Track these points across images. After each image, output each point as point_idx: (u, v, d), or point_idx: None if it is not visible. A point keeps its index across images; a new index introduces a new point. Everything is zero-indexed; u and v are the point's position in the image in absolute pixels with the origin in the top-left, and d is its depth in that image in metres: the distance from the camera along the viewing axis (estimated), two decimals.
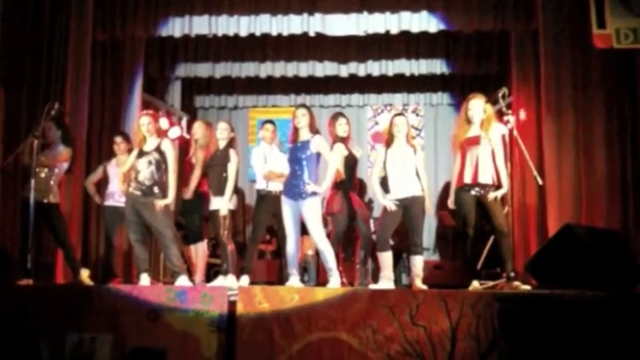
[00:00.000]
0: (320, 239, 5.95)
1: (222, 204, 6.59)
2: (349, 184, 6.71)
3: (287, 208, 6.03)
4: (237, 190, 7.01)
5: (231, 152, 6.73)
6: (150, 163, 6.17)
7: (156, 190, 6.14)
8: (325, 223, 6.64)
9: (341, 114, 7.01)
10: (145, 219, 6.13)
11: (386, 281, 6.10)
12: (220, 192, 6.62)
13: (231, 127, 6.92)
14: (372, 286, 6.22)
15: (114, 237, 7.12)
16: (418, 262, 6.12)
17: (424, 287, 5.95)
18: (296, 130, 6.10)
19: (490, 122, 6.11)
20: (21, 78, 7.23)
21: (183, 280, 6.05)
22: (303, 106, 6.27)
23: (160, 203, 6.09)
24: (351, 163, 6.75)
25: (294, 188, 5.95)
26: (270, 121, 7.22)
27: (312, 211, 5.92)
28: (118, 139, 7.19)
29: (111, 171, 7.21)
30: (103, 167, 7.38)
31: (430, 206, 6.33)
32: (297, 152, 6.01)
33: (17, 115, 7.13)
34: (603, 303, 4.71)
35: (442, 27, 7.88)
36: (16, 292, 5.36)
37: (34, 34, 7.35)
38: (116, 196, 7.00)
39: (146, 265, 6.24)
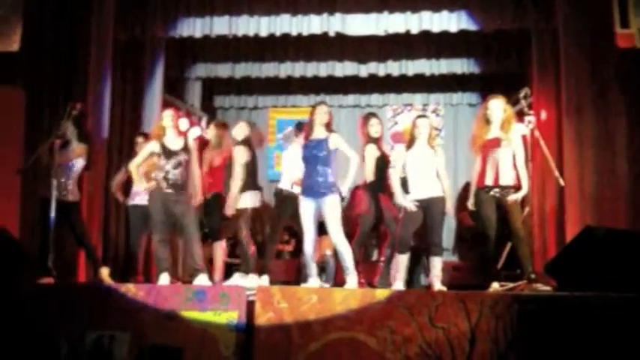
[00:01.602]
0: (339, 237, 5.92)
1: (236, 202, 6.63)
2: (379, 185, 6.69)
3: (306, 207, 5.99)
4: (260, 188, 6.99)
5: (239, 149, 6.71)
6: (180, 163, 6.22)
7: (187, 188, 6.25)
8: (346, 222, 6.62)
9: (373, 114, 7.00)
10: (175, 216, 6.18)
11: (399, 283, 6.11)
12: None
13: (249, 126, 6.93)
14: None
15: (139, 236, 7.17)
16: (437, 263, 6.09)
17: (443, 289, 5.93)
18: (311, 127, 6.06)
19: (510, 123, 6.07)
20: (42, 79, 7.30)
21: (203, 279, 6.09)
22: (325, 103, 6.23)
23: (194, 201, 6.21)
24: (382, 164, 6.73)
25: (313, 187, 5.94)
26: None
27: (333, 208, 5.90)
28: (140, 139, 7.24)
29: None
30: (126, 169, 7.44)
31: (450, 207, 6.31)
32: (313, 150, 5.98)
33: (39, 115, 7.20)
34: (624, 305, 4.66)
35: (463, 26, 7.84)
36: (36, 291, 5.40)
37: (56, 34, 7.42)
38: (142, 195, 7.01)
39: (167, 264, 6.25)
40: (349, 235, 6.32)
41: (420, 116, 6.52)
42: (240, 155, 6.68)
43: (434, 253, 6.12)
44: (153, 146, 6.28)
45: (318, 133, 6.03)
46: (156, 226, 6.22)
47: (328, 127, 6.03)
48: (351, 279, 5.89)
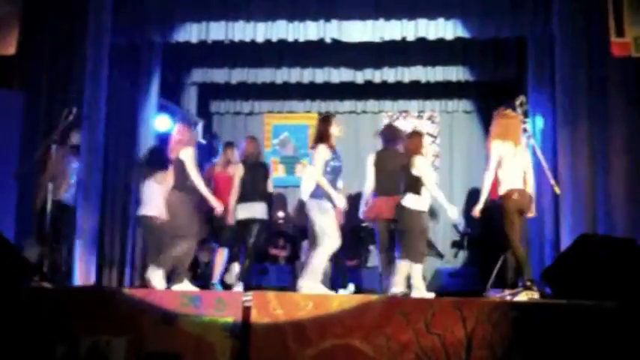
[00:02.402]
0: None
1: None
2: None
3: (332, 215, 6.12)
4: (256, 200, 7.22)
5: (237, 167, 7.36)
6: None
7: None
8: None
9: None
10: None
11: (398, 288, 6.19)
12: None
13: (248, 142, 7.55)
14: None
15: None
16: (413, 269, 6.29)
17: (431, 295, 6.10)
18: (330, 138, 6.24)
19: (490, 140, 6.33)
20: (39, 82, 7.29)
21: (187, 283, 6.26)
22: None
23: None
24: None
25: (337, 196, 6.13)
26: None
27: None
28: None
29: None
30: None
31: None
32: (337, 161, 6.20)
33: (35, 119, 7.18)
34: (620, 313, 4.67)
35: (459, 34, 7.87)
36: (31, 295, 5.38)
37: (53, 38, 7.41)
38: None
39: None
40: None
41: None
42: (238, 173, 7.31)
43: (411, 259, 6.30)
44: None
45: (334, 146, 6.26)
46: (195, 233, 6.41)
47: None
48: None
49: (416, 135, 6.83)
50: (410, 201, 6.30)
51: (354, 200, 8.68)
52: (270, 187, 7.42)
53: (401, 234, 6.37)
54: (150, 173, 6.84)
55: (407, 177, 6.43)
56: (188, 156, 6.34)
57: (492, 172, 6.21)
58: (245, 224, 7.16)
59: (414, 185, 6.36)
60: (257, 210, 7.16)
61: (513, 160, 6.19)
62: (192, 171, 6.31)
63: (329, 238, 5.98)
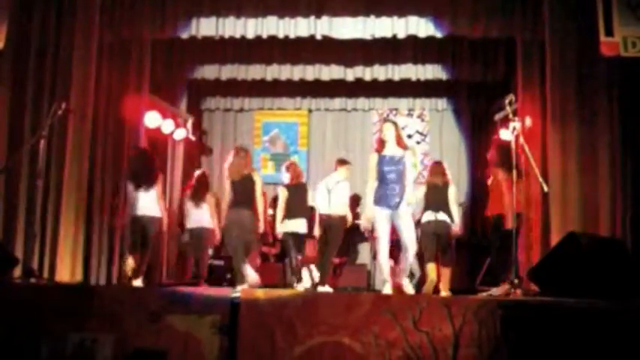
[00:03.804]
0: (414, 243, 6.39)
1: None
2: None
3: (383, 217, 6.33)
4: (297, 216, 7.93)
5: (280, 190, 8.21)
6: None
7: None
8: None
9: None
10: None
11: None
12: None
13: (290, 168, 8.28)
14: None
15: None
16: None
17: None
18: (382, 142, 6.49)
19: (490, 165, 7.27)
20: (26, 77, 7.22)
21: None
22: (389, 120, 6.77)
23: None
24: None
25: (390, 198, 6.30)
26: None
27: (408, 216, 6.37)
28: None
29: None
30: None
31: None
32: (391, 164, 6.36)
33: (22, 114, 7.12)
34: (607, 312, 4.69)
35: (449, 33, 7.87)
36: (17, 291, 5.35)
37: (41, 33, 7.35)
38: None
39: None
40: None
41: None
42: (281, 195, 8.10)
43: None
44: None
45: (393, 149, 6.43)
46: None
47: (401, 142, 6.51)
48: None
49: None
50: None
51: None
52: (310, 203, 8.05)
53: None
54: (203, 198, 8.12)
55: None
56: (260, 178, 7.23)
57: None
58: (293, 236, 7.96)
59: None
60: (302, 225, 7.94)
61: (504, 183, 6.74)
62: (260, 191, 7.10)
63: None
